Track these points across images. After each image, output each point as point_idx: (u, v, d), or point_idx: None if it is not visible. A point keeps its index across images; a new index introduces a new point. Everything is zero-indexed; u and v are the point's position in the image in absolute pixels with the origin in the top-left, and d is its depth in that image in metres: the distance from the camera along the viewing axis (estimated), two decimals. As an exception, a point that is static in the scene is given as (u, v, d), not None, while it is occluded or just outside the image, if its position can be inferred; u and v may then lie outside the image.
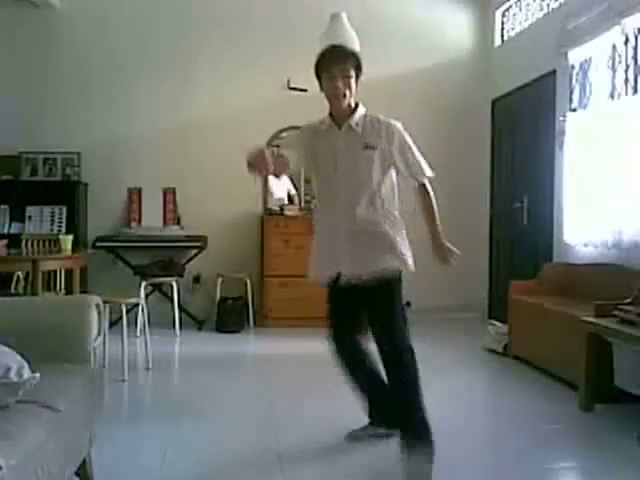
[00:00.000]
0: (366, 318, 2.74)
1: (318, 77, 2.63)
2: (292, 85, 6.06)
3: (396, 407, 2.62)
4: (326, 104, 2.70)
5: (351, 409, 3.42)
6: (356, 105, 2.65)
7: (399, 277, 2.77)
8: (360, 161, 2.60)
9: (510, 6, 6.12)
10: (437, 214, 2.90)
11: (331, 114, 2.66)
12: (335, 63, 2.55)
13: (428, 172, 2.73)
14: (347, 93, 2.56)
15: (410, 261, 2.80)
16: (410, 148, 2.68)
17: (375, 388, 2.79)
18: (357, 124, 2.61)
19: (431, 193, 2.85)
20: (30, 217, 5.78)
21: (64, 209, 5.80)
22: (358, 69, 2.59)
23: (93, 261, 5.56)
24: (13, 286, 4.90)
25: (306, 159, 2.71)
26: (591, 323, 3.31)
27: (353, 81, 2.58)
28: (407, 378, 2.60)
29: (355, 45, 4.76)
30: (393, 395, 2.63)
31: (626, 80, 4.15)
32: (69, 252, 4.49)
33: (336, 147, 2.63)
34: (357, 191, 2.62)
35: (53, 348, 2.31)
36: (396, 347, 2.69)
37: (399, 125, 2.70)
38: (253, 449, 2.85)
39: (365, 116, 2.64)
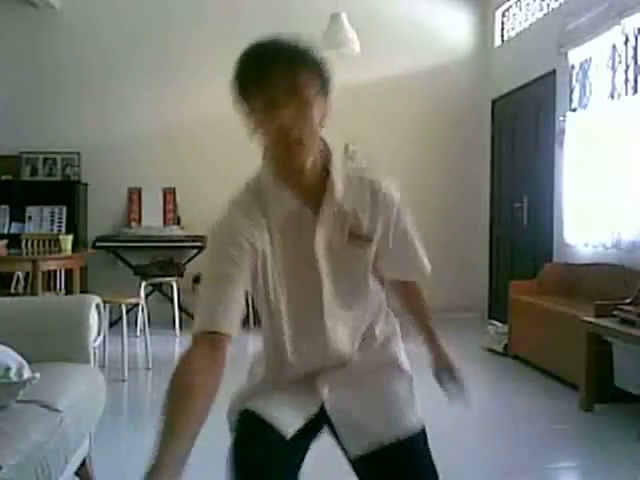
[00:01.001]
0: None
1: (244, 102, 1.41)
2: (292, 85, 6.06)
3: None
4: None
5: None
6: (325, 153, 1.42)
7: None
8: (355, 268, 1.46)
9: (510, 6, 6.11)
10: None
11: (280, 177, 1.40)
12: (276, 78, 1.29)
13: (428, 268, 1.61)
14: (304, 136, 1.30)
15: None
16: (412, 235, 1.58)
17: None
18: (342, 194, 1.39)
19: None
20: (30, 217, 5.78)
21: (64, 209, 5.80)
22: (323, 82, 1.43)
23: (93, 261, 5.56)
24: (13, 286, 4.90)
25: (253, 271, 1.36)
26: (591, 323, 3.31)
27: (315, 109, 1.34)
28: None
29: (355, 45, 4.76)
30: None
31: (626, 80, 4.15)
32: (69, 252, 4.49)
33: (314, 246, 1.38)
34: (357, 307, 1.51)
35: (53, 348, 2.31)
36: None
37: (397, 194, 1.57)
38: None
39: (347, 176, 1.44)
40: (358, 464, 1.45)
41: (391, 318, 1.72)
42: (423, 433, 1.52)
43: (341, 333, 1.47)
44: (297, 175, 1.36)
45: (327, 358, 1.47)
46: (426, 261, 1.61)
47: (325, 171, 1.39)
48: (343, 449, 1.49)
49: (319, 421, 1.45)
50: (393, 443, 1.41)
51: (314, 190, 1.38)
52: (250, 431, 1.42)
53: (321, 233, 1.38)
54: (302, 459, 1.47)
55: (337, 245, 1.41)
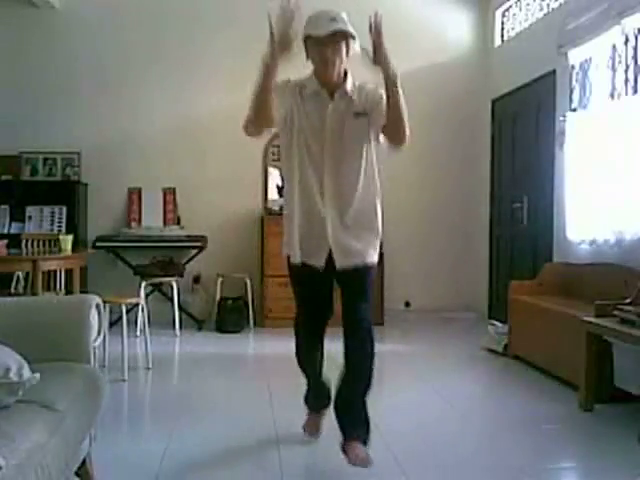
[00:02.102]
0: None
1: (305, 42, 2.50)
2: (292, 85, 6.06)
3: (350, 394, 2.67)
4: None
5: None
6: (345, 73, 2.50)
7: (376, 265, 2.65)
8: (352, 131, 2.48)
9: (510, 6, 6.11)
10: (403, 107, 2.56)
11: (318, 79, 2.49)
12: (324, 29, 2.39)
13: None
14: (337, 61, 2.42)
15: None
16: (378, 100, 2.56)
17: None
18: (351, 91, 2.49)
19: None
20: (30, 217, 5.78)
21: (64, 209, 5.80)
22: (350, 35, 2.42)
23: (93, 261, 5.57)
24: (13, 286, 4.90)
25: (285, 118, 2.49)
26: (591, 323, 3.31)
27: (344, 48, 2.42)
28: (368, 358, 2.67)
29: (355, 45, 4.76)
30: (350, 380, 2.67)
31: (626, 80, 4.15)
32: (69, 252, 4.49)
33: (325, 115, 2.47)
34: (349, 170, 2.49)
35: (53, 348, 2.31)
36: (366, 323, 2.73)
37: (380, 91, 2.54)
38: (253, 449, 2.85)
39: (355, 84, 2.53)
40: (340, 273, 2.55)
41: (378, 191, 2.61)
42: (373, 266, 2.60)
43: (333, 172, 2.49)
44: (327, 78, 2.48)
45: (323, 199, 2.50)
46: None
47: (343, 81, 2.50)
48: (334, 266, 2.52)
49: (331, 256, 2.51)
50: (359, 265, 2.53)
51: (334, 87, 2.50)
52: (298, 269, 2.58)
53: (331, 108, 2.49)
54: (332, 283, 2.65)
55: (343, 118, 2.48)
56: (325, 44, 2.41)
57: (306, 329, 2.80)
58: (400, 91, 2.52)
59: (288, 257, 2.63)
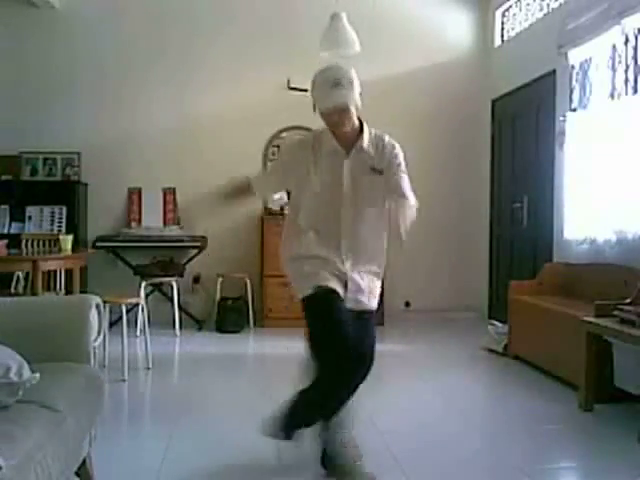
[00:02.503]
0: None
1: (317, 104, 2.43)
2: (292, 85, 6.07)
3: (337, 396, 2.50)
4: None
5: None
6: (360, 123, 2.52)
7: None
8: (369, 186, 2.49)
9: (510, 6, 6.11)
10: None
11: (333, 134, 2.48)
12: (328, 102, 2.38)
13: (411, 197, 2.51)
14: (347, 122, 2.43)
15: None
16: (402, 171, 2.60)
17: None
18: (367, 145, 2.51)
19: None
20: (30, 217, 5.78)
21: (64, 209, 5.80)
22: (357, 94, 2.43)
23: (93, 261, 5.57)
24: (13, 286, 4.90)
25: (298, 179, 2.51)
26: (591, 323, 3.31)
27: (351, 110, 2.42)
28: (362, 381, 2.51)
29: (355, 45, 4.76)
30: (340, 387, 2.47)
31: (626, 80, 4.15)
32: (69, 252, 4.49)
33: (342, 172, 2.47)
34: (367, 227, 2.51)
35: (53, 348, 2.31)
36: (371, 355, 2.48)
37: (397, 145, 2.65)
38: (253, 449, 2.85)
39: (371, 136, 2.55)
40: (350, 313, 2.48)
41: (383, 248, 2.61)
42: (374, 312, 2.62)
43: (349, 225, 2.50)
44: (341, 134, 2.48)
45: (339, 246, 2.51)
46: (411, 194, 2.53)
47: (358, 134, 2.51)
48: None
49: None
50: (365, 310, 2.54)
51: (350, 142, 2.50)
52: (326, 294, 2.43)
53: (348, 164, 2.49)
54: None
55: (359, 174, 2.49)
56: (331, 113, 2.41)
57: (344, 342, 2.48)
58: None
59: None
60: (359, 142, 2.49)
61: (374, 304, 2.58)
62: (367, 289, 2.53)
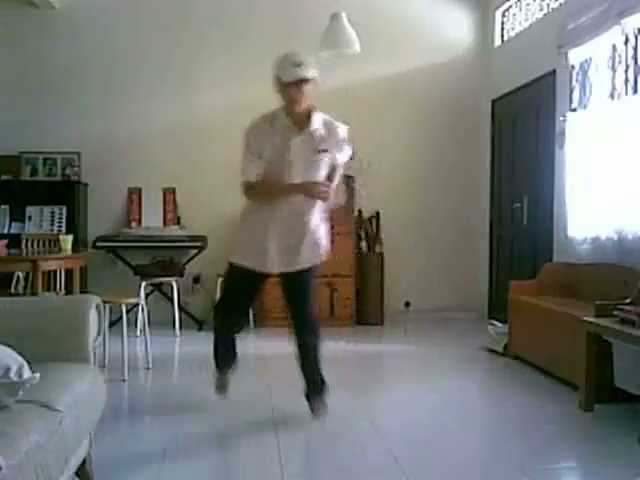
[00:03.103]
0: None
1: (275, 81, 3.00)
2: (292, 85, 6.06)
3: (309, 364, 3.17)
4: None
5: (350, 408, 3.43)
6: (311, 108, 2.97)
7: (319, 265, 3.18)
8: (313, 164, 2.98)
9: (510, 6, 6.12)
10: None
11: (287, 112, 2.97)
12: (290, 76, 2.88)
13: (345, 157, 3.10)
14: (301, 99, 2.90)
15: (324, 247, 3.16)
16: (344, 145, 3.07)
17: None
18: (316, 129, 2.96)
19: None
20: (30, 217, 5.78)
21: (64, 209, 5.80)
22: (312, 79, 2.91)
23: (93, 261, 5.57)
24: (13, 286, 4.90)
25: (259, 150, 3.02)
26: (591, 323, 3.31)
27: (309, 87, 2.89)
28: (318, 342, 3.16)
29: (355, 45, 4.77)
30: (306, 356, 3.16)
31: (626, 80, 4.15)
32: (69, 252, 4.49)
33: (292, 147, 2.95)
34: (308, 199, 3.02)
35: (53, 348, 2.31)
36: (312, 318, 3.17)
37: (343, 129, 3.07)
38: (253, 448, 2.85)
39: (322, 120, 3.00)
40: (283, 276, 3.11)
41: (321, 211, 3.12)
42: (315, 269, 3.13)
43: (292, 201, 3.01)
44: (295, 113, 2.95)
45: (280, 211, 3.05)
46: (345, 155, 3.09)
47: (309, 116, 2.96)
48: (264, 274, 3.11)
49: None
50: (299, 270, 3.07)
51: (302, 122, 2.96)
52: (240, 276, 3.13)
53: (296, 141, 2.95)
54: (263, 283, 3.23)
55: (306, 151, 2.95)
56: (290, 87, 2.89)
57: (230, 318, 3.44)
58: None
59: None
60: (309, 123, 2.95)
61: (312, 259, 3.10)
62: (302, 248, 3.05)
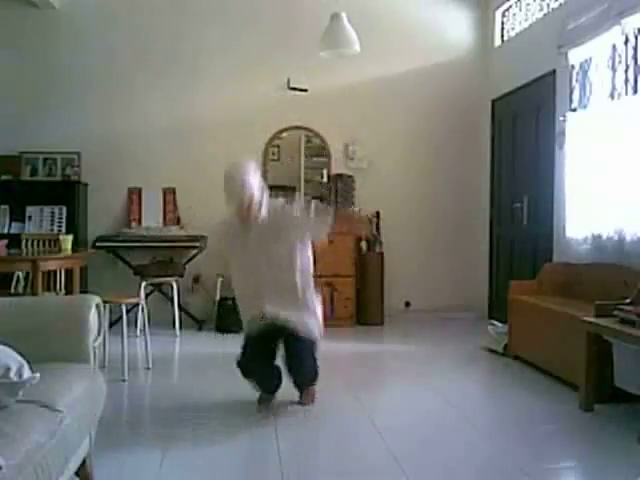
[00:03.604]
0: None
1: (226, 193, 3.23)
2: (292, 85, 6.07)
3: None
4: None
5: (350, 408, 3.42)
6: (261, 204, 3.24)
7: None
8: (278, 248, 3.24)
9: (510, 6, 6.12)
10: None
11: (238, 218, 3.28)
12: (236, 197, 3.18)
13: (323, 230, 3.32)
14: (250, 213, 3.21)
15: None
16: (304, 211, 3.27)
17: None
18: (265, 218, 3.24)
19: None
20: (30, 217, 5.78)
21: (64, 209, 5.80)
22: (258, 185, 3.22)
23: (93, 261, 5.56)
24: (13, 286, 4.90)
25: (227, 250, 3.44)
26: (591, 323, 3.31)
27: (252, 198, 3.17)
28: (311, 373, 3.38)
29: (355, 45, 4.77)
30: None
31: (626, 80, 4.15)
32: (69, 252, 4.49)
33: (249, 245, 3.27)
34: (287, 284, 3.28)
35: (53, 348, 2.31)
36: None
37: (287, 207, 3.30)
38: (253, 449, 2.85)
39: (270, 209, 3.26)
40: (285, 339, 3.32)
41: (310, 283, 3.36)
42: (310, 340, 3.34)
43: (267, 279, 3.25)
44: (244, 218, 3.25)
45: (261, 290, 3.26)
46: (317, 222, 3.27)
47: (258, 210, 3.24)
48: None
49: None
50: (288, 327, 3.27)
51: (252, 220, 3.24)
52: (251, 337, 3.39)
53: (251, 237, 3.26)
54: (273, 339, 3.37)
55: (264, 241, 3.22)
56: (234, 199, 3.20)
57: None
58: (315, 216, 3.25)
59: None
60: (258, 217, 3.23)
61: (299, 323, 3.26)
62: (287, 307, 3.25)
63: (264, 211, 3.25)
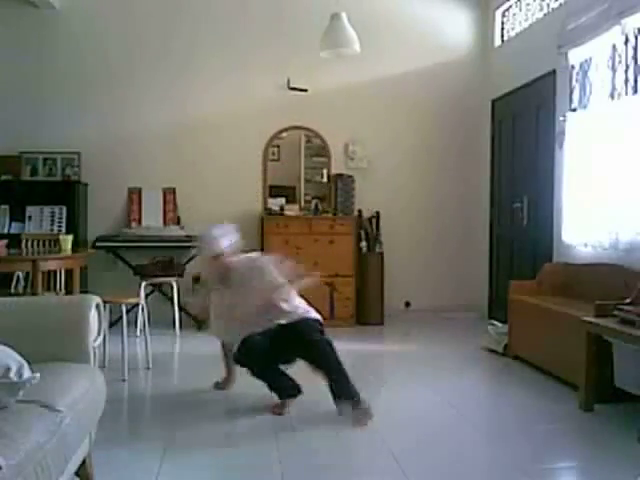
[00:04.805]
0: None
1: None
2: (292, 85, 6.07)
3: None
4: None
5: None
6: (229, 264, 3.55)
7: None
8: (246, 294, 3.45)
9: (510, 6, 6.12)
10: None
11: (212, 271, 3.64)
12: (207, 252, 3.57)
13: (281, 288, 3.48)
14: (222, 266, 3.53)
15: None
16: (264, 271, 3.51)
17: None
18: (239, 271, 3.52)
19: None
20: (30, 217, 5.77)
21: (64, 209, 5.80)
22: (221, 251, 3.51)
23: (93, 261, 5.56)
24: (13, 286, 4.90)
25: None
26: (591, 323, 3.31)
27: (221, 258, 3.50)
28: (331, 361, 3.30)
29: (355, 45, 4.77)
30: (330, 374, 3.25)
31: (626, 80, 4.15)
32: (69, 252, 4.49)
33: (225, 292, 3.57)
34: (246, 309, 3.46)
35: (53, 348, 2.31)
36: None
37: (260, 261, 3.60)
38: (253, 448, 2.85)
39: (243, 261, 3.56)
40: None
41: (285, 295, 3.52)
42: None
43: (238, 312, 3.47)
44: (219, 272, 3.61)
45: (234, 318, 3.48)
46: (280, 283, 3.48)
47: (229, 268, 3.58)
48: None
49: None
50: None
51: (227, 270, 3.57)
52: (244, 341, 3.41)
53: (227, 291, 3.56)
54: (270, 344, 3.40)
55: (236, 290, 3.51)
56: (209, 258, 3.57)
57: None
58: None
59: None
60: (232, 270, 3.53)
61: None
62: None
63: (237, 265, 3.55)
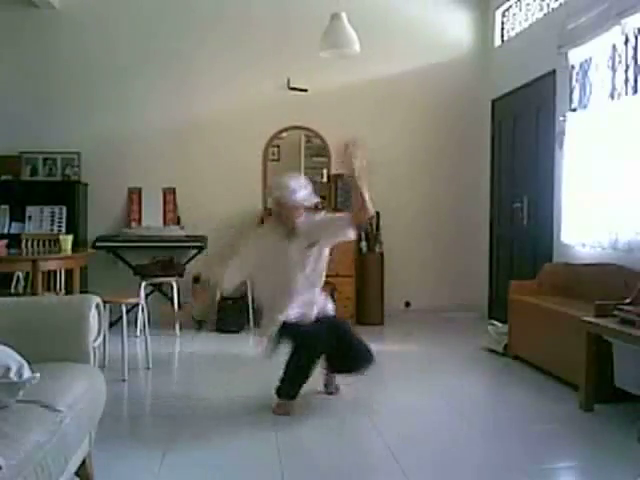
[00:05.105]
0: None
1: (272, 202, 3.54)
2: (292, 85, 6.07)
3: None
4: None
5: (350, 408, 3.42)
6: (299, 217, 3.46)
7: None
8: (310, 258, 3.45)
9: (510, 6, 6.11)
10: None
11: (279, 225, 3.51)
12: (282, 199, 3.41)
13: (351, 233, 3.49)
14: (290, 217, 3.42)
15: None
16: (327, 219, 3.59)
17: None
18: (299, 230, 3.44)
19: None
20: (30, 217, 5.78)
21: (64, 209, 5.80)
22: (302, 200, 3.42)
23: (93, 261, 5.56)
24: (13, 286, 4.90)
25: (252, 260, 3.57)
26: (591, 323, 3.31)
27: (295, 208, 3.41)
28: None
29: (355, 45, 4.76)
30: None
31: (626, 80, 4.15)
32: (69, 252, 4.49)
33: (287, 256, 3.44)
34: (306, 279, 3.46)
35: (53, 348, 2.31)
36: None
37: (319, 216, 3.58)
38: (253, 448, 2.85)
39: (305, 221, 3.46)
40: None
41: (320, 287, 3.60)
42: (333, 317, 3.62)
43: (299, 286, 3.46)
44: (284, 226, 3.49)
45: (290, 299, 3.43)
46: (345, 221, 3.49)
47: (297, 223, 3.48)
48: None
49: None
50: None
51: (291, 231, 3.47)
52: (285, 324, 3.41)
53: (291, 247, 3.46)
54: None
55: (298, 252, 3.45)
56: (281, 207, 3.44)
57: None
58: (361, 185, 3.59)
59: None
60: (296, 229, 3.45)
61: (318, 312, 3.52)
62: (310, 307, 3.47)
63: (301, 223, 3.47)
